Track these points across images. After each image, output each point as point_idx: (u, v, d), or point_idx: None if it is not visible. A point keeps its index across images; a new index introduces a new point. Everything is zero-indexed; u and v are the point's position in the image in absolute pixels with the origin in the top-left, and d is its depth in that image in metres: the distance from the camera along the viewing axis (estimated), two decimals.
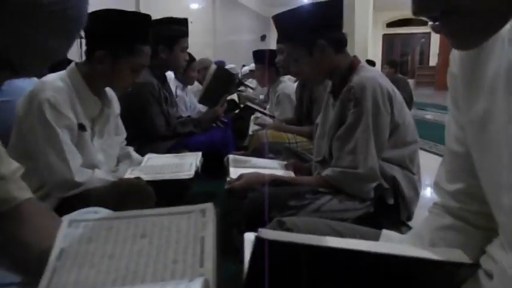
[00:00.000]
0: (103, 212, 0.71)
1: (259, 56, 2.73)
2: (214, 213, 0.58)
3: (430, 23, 0.42)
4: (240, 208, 1.17)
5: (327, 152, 1.32)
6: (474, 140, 0.56)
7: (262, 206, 1.09)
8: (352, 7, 4.79)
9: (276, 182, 1.20)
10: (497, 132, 0.50)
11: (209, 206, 0.58)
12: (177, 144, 1.94)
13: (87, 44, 1.30)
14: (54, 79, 1.22)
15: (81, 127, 1.25)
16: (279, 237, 0.38)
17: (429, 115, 6.44)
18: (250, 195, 1.14)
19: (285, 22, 1.28)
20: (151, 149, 1.94)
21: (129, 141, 1.80)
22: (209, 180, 1.74)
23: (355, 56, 1.35)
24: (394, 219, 1.34)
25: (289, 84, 2.71)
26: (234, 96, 3.30)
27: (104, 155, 1.37)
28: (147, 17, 1.35)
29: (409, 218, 1.33)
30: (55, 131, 1.13)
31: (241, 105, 2.91)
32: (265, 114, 2.65)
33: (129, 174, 1.29)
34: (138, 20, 1.31)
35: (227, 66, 4.75)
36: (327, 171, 1.23)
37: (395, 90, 1.28)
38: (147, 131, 1.94)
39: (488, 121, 0.52)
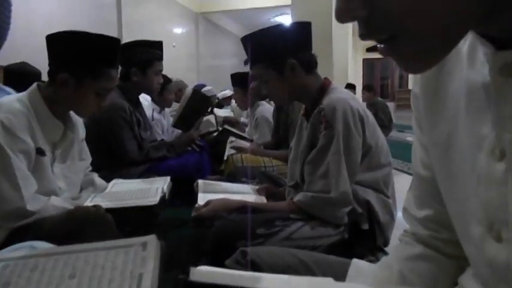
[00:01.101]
0: (42, 247, 0.64)
1: (237, 79, 2.72)
2: (157, 247, 0.52)
3: (378, 46, 0.39)
4: (207, 237, 1.10)
5: (299, 177, 1.28)
6: (438, 165, 0.53)
7: (229, 234, 1.03)
8: (329, 33, 4.90)
9: (244, 208, 1.14)
10: (462, 158, 0.47)
11: (151, 239, 0.52)
12: (148, 169, 1.87)
13: (49, 65, 1.25)
14: (11, 101, 1.16)
15: (40, 152, 1.17)
16: (204, 277, 0.33)
17: (410, 137, 6.52)
18: (216, 223, 1.08)
19: (255, 43, 1.26)
20: (122, 175, 1.86)
21: (99, 167, 1.72)
22: (180, 206, 1.67)
23: (325, 78, 1.33)
24: (370, 245, 1.29)
25: (267, 107, 2.70)
26: (211, 118, 3.26)
27: (65, 181, 1.29)
28: (115, 40, 1.30)
29: (386, 243, 1.29)
30: (7, 155, 1.06)
31: (219, 128, 2.87)
32: (243, 137, 2.62)
33: (89, 202, 1.21)
34: (105, 43, 1.27)
35: (205, 89, 4.75)
36: (299, 196, 1.18)
37: (367, 112, 1.26)
38: (118, 156, 1.87)
39: (451, 146, 0.49)
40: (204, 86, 4.72)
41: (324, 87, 1.28)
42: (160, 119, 2.70)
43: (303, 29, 1.30)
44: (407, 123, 7.97)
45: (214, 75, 10.46)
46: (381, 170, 1.27)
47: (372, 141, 1.23)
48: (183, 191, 1.67)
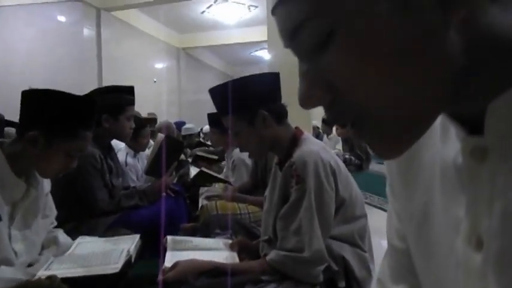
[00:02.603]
0: None
1: (213, 118, 2.69)
2: None
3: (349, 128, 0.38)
4: None
5: (271, 232, 1.23)
6: (414, 239, 0.49)
7: None
8: (294, 77, 4.98)
9: (214, 271, 1.08)
10: (438, 237, 0.44)
11: None
12: (119, 219, 1.79)
13: (20, 121, 1.19)
14: None
15: None
16: None
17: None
18: None
19: (224, 95, 1.24)
20: (90, 226, 1.78)
21: (66, 218, 1.63)
22: (150, 259, 1.58)
23: (296, 127, 1.31)
24: None
25: None
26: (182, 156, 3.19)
27: (24, 243, 1.20)
28: (92, 102, 1.26)
29: None
30: None
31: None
32: (221, 180, 2.56)
33: (44, 270, 1.12)
34: (82, 104, 1.22)
35: (186, 126, 4.70)
36: (271, 255, 1.13)
37: (339, 162, 1.23)
38: (87, 205, 1.78)
39: (427, 221, 0.45)
40: (184, 123, 4.69)
41: (296, 137, 1.26)
42: (134, 164, 2.62)
43: (272, 79, 1.28)
44: None
45: (196, 110, 10.47)
46: (356, 223, 1.23)
47: (346, 194, 1.20)
48: (154, 242, 1.59)
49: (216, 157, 3.60)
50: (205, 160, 3.49)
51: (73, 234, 1.51)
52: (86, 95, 2.46)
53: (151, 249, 1.62)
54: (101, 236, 1.62)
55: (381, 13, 0.31)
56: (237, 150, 2.61)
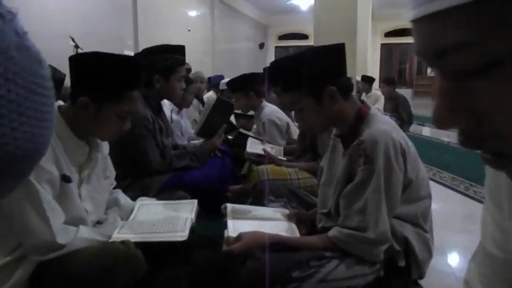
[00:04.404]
0: None
1: (233, 85, 2.59)
2: None
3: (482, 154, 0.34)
4: (239, 272, 1.07)
5: (333, 207, 1.22)
6: None
7: (263, 278, 0.99)
8: (354, 17, 4.68)
9: (277, 245, 1.10)
10: None
11: None
12: (172, 180, 1.83)
13: (71, 87, 1.20)
14: None
15: (65, 178, 1.14)
16: None
17: (428, 132, 6.32)
18: (249, 264, 1.03)
19: (288, 70, 1.18)
20: (144, 185, 1.84)
21: (121, 177, 1.69)
22: (208, 221, 1.63)
23: (363, 103, 1.25)
24: (404, 280, 1.25)
25: (271, 108, 2.62)
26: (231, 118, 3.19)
27: (92, 203, 1.26)
28: (137, 62, 1.24)
29: (421, 276, 1.24)
30: (35, 188, 1.02)
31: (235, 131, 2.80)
32: (258, 139, 2.55)
33: (117, 234, 1.18)
34: (128, 64, 1.21)
35: (224, 80, 4.64)
36: (334, 232, 1.13)
37: (409, 142, 1.18)
38: (141, 166, 1.83)
39: None
40: (222, 77, 4.61)
41: (362, 113, 1.21)
42: (179, 120, 2.64)
43: (337, 52, 1.20)
44: (427, 114, 7.77)
45: (229, 59, 10.33)
46: (420, 203, 1.20)
47: (413, 175, 1.16)
48: (207, 203, 1.64)
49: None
50: (243, 117, 3.48)
51: (128, 192, 1.57)
52: (137, 54, 2.45)
53: (205, 210, 1.67)
54: (156, 195, 1.69)
55: None
56: (265, 111, 2.56)
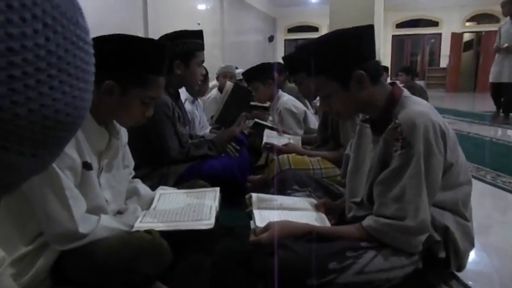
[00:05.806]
0: None
1: (249, 76, 2.53)
2: None
3: None
4: (266, 264, 1.00)
5: (365, 196, 1.15)
6: None
7: (297, 270, 0.93)
8: (371, 7, 4.59)
9: (309, 235, 1.04)
10: None
11: None
12: (190, 170, 1.78)
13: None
14: None
15: (86, 166, 1.09)
16: None
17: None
18: (280, 254, 0.97)
19: (313, 54, 1.10)
20: (162, 174, 1.79)
21: (139, 165, 1.64)
22: (228, 210, 1.57)
23: (395, 84, 1.18)
24: (443, 272, 1.18)
25: (287, 98, 2.55)
26: None
27: (111, 192, 1.21)
28: (163, 45, 1.18)
29: (460, 268, 1.17)
30: (57, 174, 0.97)
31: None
32: (274, 129, 2.49)
33: (140, 222, 1.13)
34: (154, 49, 1.15)
35: (238, 71, 4.55)
36: (370, 222, 1.06)
37: (447, 125, 1.10)
38: (159, 153, 1.78)
39: None
40: (235, 68, 4.52)
41: (394, 96, 1.13)
42: (193, 110, 2.58)
43: (366, 34, 1.12)
44: (439, 105, 7.61)
45: (238, 51, 10.23)
46: (461, 189, 1.13)
47: (453, 158, 1.09)
48: (227, 192, 1.58)
49: (267, 105, 3.52)
50: (257, 108, 3.42)
51: (145, 182, 1.51)
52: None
53: (225, 200, 1.61)
54: (174, 185, 1.63)
55: None
56: (282, 100, 2.49)
